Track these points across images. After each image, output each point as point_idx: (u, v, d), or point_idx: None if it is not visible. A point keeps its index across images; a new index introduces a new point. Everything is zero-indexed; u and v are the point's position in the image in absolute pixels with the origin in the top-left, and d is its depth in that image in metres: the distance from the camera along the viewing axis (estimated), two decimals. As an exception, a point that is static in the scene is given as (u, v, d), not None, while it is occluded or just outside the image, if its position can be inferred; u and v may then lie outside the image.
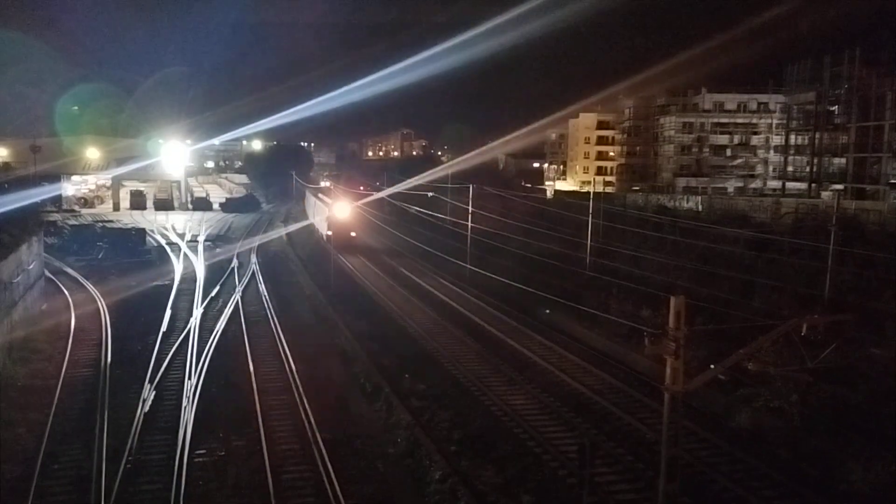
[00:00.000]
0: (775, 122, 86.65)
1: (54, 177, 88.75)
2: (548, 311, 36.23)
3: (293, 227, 75.44)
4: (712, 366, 12.60)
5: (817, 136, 70.67)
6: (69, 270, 48.24)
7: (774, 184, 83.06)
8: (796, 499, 18.19)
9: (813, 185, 69.93)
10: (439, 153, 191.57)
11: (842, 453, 19.87)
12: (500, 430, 22.77)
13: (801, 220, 47.00)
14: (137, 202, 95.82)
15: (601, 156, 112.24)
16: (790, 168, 76.44)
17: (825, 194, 63.41)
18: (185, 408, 23.36)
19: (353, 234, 58.79)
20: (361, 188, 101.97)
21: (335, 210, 59.75)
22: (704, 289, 30.89)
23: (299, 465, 19.99)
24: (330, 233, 57.30)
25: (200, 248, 60.85)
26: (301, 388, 25.46)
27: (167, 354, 29.26)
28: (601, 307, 33.69)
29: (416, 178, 78.18)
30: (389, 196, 79.11)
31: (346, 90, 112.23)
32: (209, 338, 31.93)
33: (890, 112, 61.07)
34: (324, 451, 20.28)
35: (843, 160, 66.73)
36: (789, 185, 75.67)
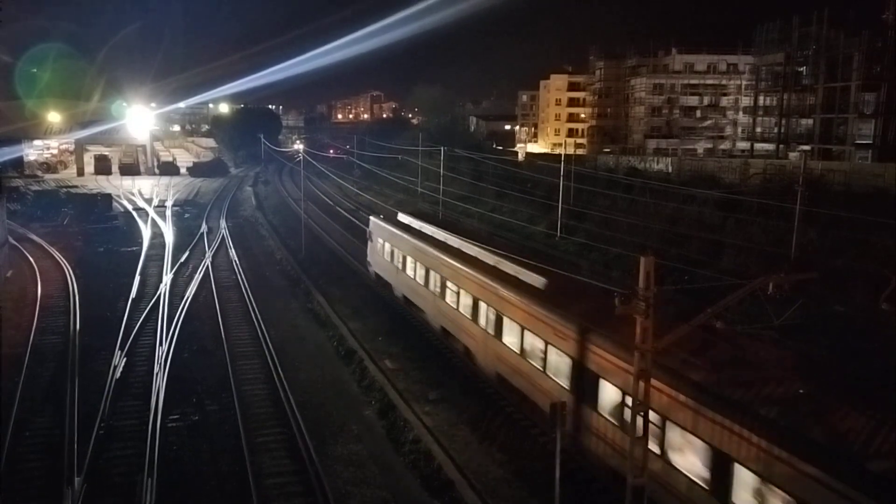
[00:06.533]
0: (744, 83, 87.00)
1: (15, 141, 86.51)
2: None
3: (262, 190, 74.31)
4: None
5: (785, 97, 71.16)
6: (34, 237, 47.31)
7: (743, 145, 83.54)
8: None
9: (781, 146, 70.54)
10: (409, 115, 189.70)
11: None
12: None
13: (768, 181, 47.46)
14: (102, 167, 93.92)
15: (572, 118, 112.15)
16: (759, 129, 76.95)
17: (793, 155, 64.06)
18: (157, 374, 23.27)
19: None
20: (331, 151, 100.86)
21: None
22: (674, 249, 31.26)
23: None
24: None
25: (168, 213, 59.99)
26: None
27: (137, 321, 29.03)
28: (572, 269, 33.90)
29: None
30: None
31: (316, 53, 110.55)
32: (180, 304, 31.68)
33: (856, 73, 61.59)
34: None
35: (811, 121, 67.33)
36: (758, 146, 76.21)
